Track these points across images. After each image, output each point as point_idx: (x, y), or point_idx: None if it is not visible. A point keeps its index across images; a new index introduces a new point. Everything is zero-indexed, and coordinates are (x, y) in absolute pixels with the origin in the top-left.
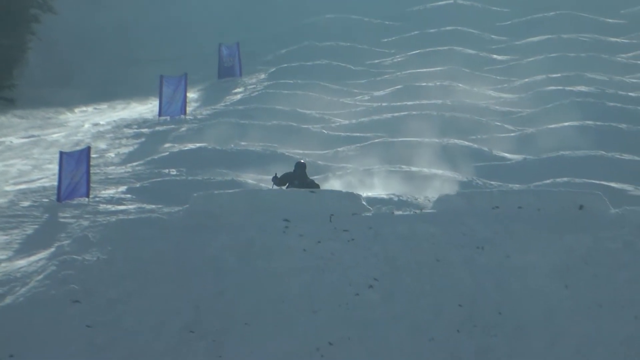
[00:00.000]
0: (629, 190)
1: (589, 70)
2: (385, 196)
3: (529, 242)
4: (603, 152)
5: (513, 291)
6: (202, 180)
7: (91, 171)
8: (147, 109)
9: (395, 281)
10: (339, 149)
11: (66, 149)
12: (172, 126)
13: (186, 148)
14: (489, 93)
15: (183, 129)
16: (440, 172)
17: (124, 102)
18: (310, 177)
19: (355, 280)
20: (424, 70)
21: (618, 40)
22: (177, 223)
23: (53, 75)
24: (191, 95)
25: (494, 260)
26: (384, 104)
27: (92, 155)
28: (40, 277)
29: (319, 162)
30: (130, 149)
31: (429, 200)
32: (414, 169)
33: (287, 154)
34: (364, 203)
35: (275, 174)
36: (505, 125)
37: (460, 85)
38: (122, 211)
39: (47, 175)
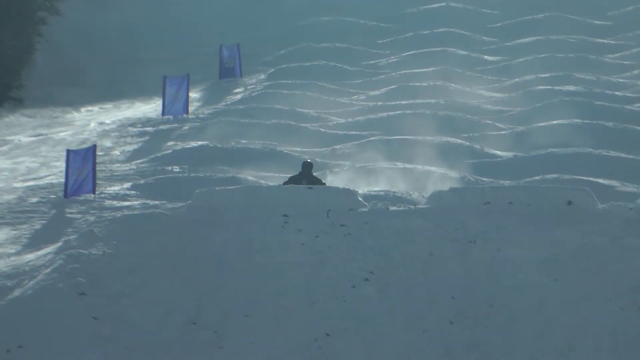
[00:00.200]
0: (616, 186)
1: (577, 70)
2: (380, 192)
3: (520, 236)
4: (591, 150)
5: (504, 284)
6: (203, 177)
7: (97, 168)
8: (151, 108)
9: (390, 274)
10: (336, 147)
11: (73, 147)
12: (175, 125)
13: (189, 146)
14: (480, 92)
15: (185, 127)
16: (433, 169)
17: (129, 102)
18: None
19: (351, 274)
20: (418, 70)
21: (605, 41)
22: (179, 218)
23: (60, 76)
24: (193, 95)
25: (485, 254)
26: (379, 103)
27: (98, 153)
28: (48, 270)
29: (317, 159)
30: (135, 147)
31: (422, 196)
32: (408, 166)
33: (285, 151)
34: (360, 199)
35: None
36: (497, 124)
37: (453, 85)
38: (127, 207)
39: (55, 173)
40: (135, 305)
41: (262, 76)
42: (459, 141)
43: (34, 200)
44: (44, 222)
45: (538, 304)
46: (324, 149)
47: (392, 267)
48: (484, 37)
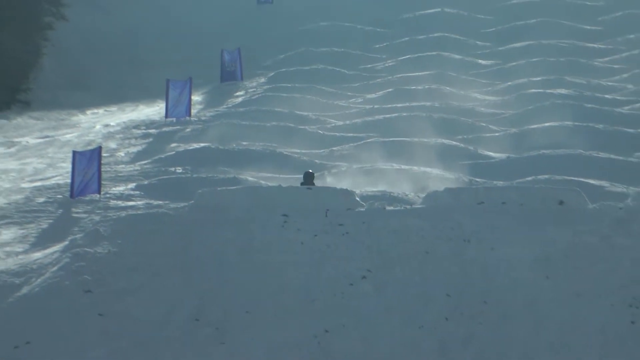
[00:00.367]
0: (606, 187)
1: (568, 74)
2: (377, 192)
3: (513, 235)
4: (581, 151)
5: (498, 281)
6: (206, 178)
7: (102, 169)
8: (154, 111)
9: (387, 272)
10: (334, 148)
11: (79, 149)
12: (178, 127)
13: (191, 147)
14: (474, 95)
15: (188, 129)
16: (429, 169)
17: (133, 105)
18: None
19: (349, 272)
20: (414, 74)
21: (595, 45)
22: (182, 218)
23: (66, 79)
24: (196, 98)
25: (479, 252)
26: (376, 106)
27: (103, 155)
28: (55, 268)
29: (316, 160)
30: (139, 148)
31: (418, 196)
32: (404, 167)
33: (285, 153)
34: (358, 199)
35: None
36: (490, 126)
37: (448, 88)
38: (131, 207)
39: (61, 173)
40: (140, 302)
41: (263, 80)
42: (454, 143)
43: (41, 200)
44: (51, 221)
45: (531, 301)
46: (322, 151)
47: (389, 265)
48: (477, 42)
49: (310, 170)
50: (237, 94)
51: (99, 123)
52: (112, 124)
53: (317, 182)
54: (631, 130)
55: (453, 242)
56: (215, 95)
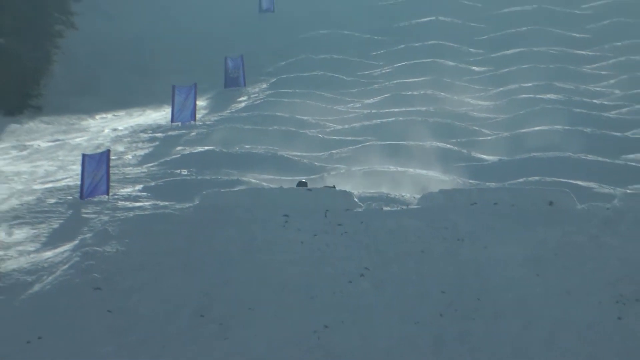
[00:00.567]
0: (594, 188)
1: (558, 80)
2: (375, 194)
3: (505, 235)
4: (570, 154)
5: (490, 279)
6: (210, 180)
7: (110, 171)
8: (160, 115)
9: (385, 270)
10: (333, 151)
11: (88, 152)
12: (183, 131)
13: (196, 151)
14: (468, 101)
15: (193, 133)
16: (424, 171)
17: (140, 110)
18: (309, 178)
19: (348, 270)
20: (410, 80)
21: (584, 52)
22: (187, 218)
23: (76, 85)
24: (200, 103)
25: (473, 251)
26: (373, 111)
27: (112, 157)
28: (65, 266)
29: (316, 163)
30: (146, 151)
31: (414, 197)
32: (400, 169)
33: (286, 156)
34: (356, 200)
35: None
36: (483, 130)
37: (443, 93)
38: (138, 207)
39: (71, 175)
40: (147, 299)
41: (265, 85)
42: (448, 146)
43: (52, 201)
44: (61, 221)
45: (522, 298)
46: (322, 154)
47: (386, 263)
48: (471, 49)
49: (304, 180)
50: (240, 99)
51: (107, 127)
52: (120, 128)
53: (317, 184)
54: (618, 134)
55: (448, 241)
56: (219, 101)
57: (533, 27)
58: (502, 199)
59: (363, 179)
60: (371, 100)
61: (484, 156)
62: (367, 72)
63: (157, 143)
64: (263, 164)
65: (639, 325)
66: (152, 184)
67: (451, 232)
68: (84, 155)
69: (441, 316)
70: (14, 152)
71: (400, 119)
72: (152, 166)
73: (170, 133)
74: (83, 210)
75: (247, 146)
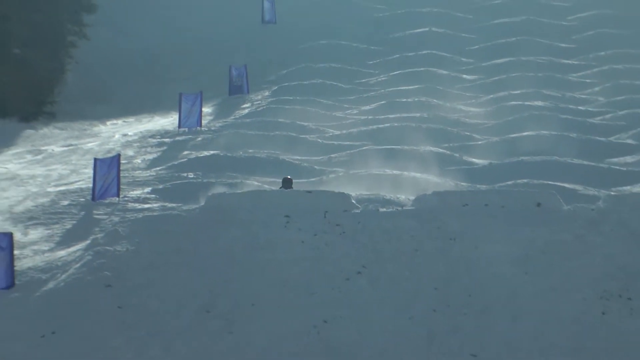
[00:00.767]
0: (579, 190)
1: (545, 87)
2: (371, 195)
3: (495, 234)
4: (557, 158)
5: (481, 276)
6: (215, 182)
7: (121, 175)
8: (168, 121)
9: (380, 268)
10: (332, 156)
11: (99, 156)
12: (190, 136)
13: (202, 155)
14: (459, 107)
15: (199, 138)
16: (418, 174)
17: (149, 116)
18: (309, 180)
19: (346, 268)
20: (404, 88)
21: (569, 62)
22: (193, 219)
23: (88, 93)
24: (206, 109)
25: (464, 250)
26: (370, 117)
27: (122, 161)
28: (78, 265)
29: (315, 166)
30: (154, 155)
31: (409, 199)
32: (396, 172)
33: (287, 160)
34: (354, 201)
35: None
36: (474, 135)
37: (436, 100)
38: (147, 209)
39: (84, 179)
40: (155, 296)
41: (267, 93)
42: (441, 150)
43: (65, 203)
44: (74, 222)
45: (511, 294)
46: (321, 158)
47: (382, 261)
48: (462, 59)
49: (289, 177)
50: (244, 106)
51: (118, 133)
52: (130, 133)
53: (317, 186)
54: (602, 139)
55: (440, 240)
56: (224, 108)
57: (522, 37)
58: (492, 201)
59: (360, 181)
60: (368, 107)
61: (475, 160)
62: (364, 80)
63: (165, 148)
64: (265, 168)
65: (622, 320)
66: (160, 186)
67: (444, 232)
68: (95, 160)
69: (434, 311)
70: (29, 157)
71: (396, 124)
72: (160, 170)
73: (177, 138)
74: (95, 212)
75: (250, 150)
